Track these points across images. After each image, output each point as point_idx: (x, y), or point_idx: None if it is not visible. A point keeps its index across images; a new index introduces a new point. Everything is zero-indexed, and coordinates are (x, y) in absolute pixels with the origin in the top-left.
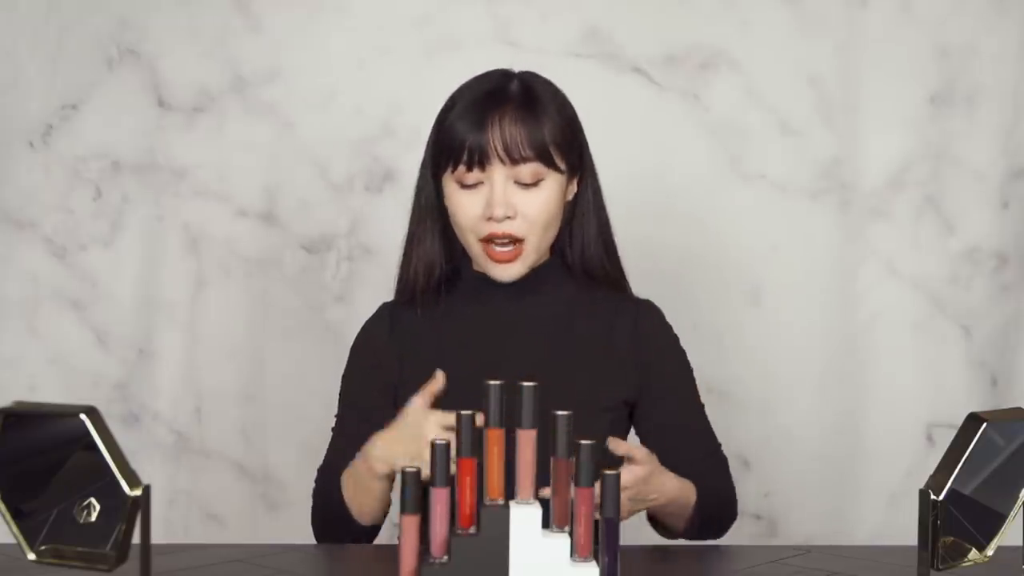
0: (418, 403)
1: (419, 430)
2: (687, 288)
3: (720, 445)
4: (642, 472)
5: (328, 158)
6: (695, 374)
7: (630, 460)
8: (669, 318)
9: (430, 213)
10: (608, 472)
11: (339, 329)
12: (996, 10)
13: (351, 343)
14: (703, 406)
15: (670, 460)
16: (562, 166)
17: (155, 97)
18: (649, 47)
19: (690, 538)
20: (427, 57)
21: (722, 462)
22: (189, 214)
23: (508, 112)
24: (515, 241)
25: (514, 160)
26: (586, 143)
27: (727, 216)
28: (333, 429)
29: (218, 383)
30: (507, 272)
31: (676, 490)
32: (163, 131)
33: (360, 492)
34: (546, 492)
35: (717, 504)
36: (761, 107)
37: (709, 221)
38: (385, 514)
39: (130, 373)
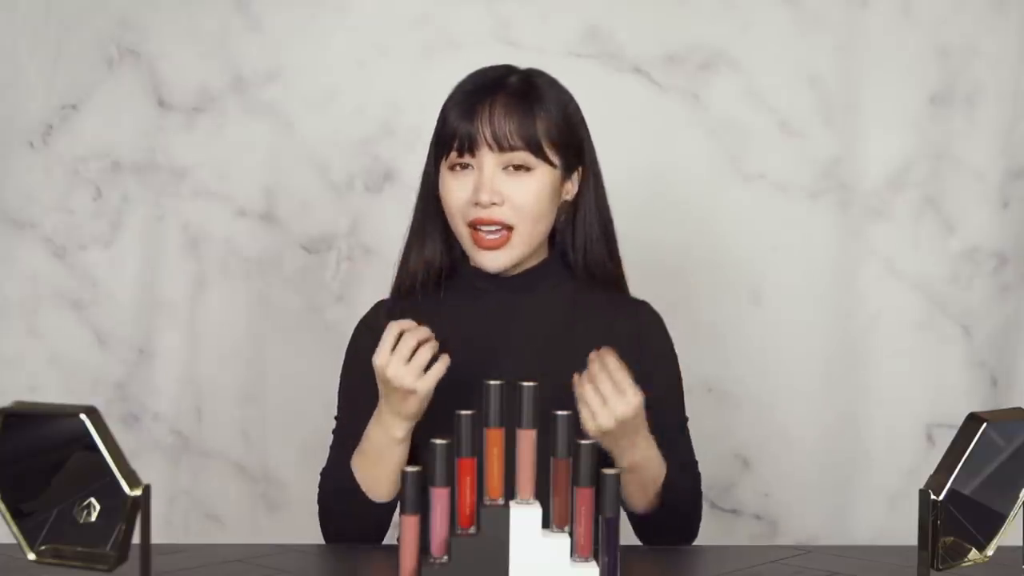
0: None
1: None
2: (687, 288)
3: (697, 463)
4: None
5: (328, 158)
6: (694, 374)
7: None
8: (669, 317)
9: (432, 205)
10: (608, 472)
11: (339, 329)
12: (996, 10)
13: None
14: (687, 420)
15: None
16: (555, 160)
17: (155, 97)
18: (649, 47)
19: (647, 532)
20: (427, 57)
21: (695, 477)
22: (189, 214)
23: (499, 102)
24: (504, 228)
25: (502, 148)
26: (588, 142)
27: (727, 216)
28: (334, 431)
29: (218, 383)
30: (493, 260)
31: (650, 448)
32: (163, 131)
33: (377, 465)
34: None
35: (682, 503)
36: (761, 107)
37: (709, 221)
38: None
39: (130, 373)
